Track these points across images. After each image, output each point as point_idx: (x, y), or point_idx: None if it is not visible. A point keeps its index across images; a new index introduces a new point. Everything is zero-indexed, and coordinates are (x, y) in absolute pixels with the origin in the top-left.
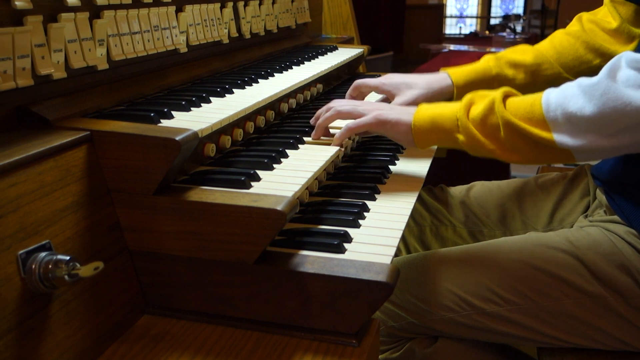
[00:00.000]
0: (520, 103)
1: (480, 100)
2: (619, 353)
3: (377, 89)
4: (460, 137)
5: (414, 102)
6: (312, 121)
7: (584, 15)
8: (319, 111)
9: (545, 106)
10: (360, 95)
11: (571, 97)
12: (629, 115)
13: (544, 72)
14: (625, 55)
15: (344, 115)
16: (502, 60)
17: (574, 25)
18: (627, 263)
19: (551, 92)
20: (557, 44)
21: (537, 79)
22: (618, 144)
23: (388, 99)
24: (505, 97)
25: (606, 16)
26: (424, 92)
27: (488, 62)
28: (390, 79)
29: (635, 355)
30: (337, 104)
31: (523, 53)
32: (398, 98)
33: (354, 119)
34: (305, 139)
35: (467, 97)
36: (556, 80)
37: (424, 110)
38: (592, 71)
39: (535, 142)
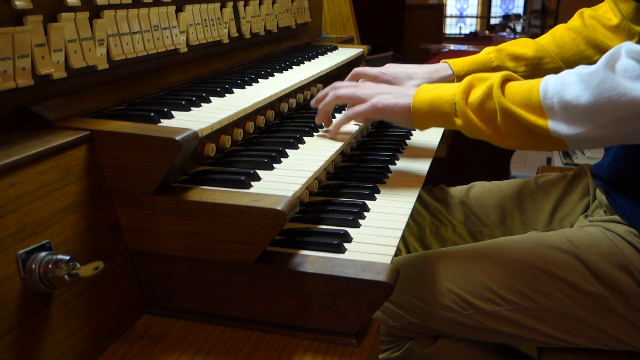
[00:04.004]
0: (519, 89)
1: (480, 84)
2: (619, 353)
3: (376, 79)
4: (458, 121)
5: None
6: (312, 103)
7: (586, 11)
8: (320, 93)
9: (543, 93)
10: None
11: (569, 85)
12: (624, 106)
13: (545, 65)
14: (626, 45)
15: (343, 99)
16: (503, 53)
17: (575, 20)
18: (628, 263)
19: (550, 79)
20: (559, 38)
21: (537, 73)
22: (610, 134)
23: None
24: (505, 81)
25: (607, 13)
26: (424, 82)
27: (489, 54)
28: (390, 69)
29: (635, 355)
30: (338, 87)
31: (524, 46)
32: None
33: (354, 103)
34: (305, 138)
35: (467, 79)
36: None
37: (423, 93)
38: None
39: (530, 129)
